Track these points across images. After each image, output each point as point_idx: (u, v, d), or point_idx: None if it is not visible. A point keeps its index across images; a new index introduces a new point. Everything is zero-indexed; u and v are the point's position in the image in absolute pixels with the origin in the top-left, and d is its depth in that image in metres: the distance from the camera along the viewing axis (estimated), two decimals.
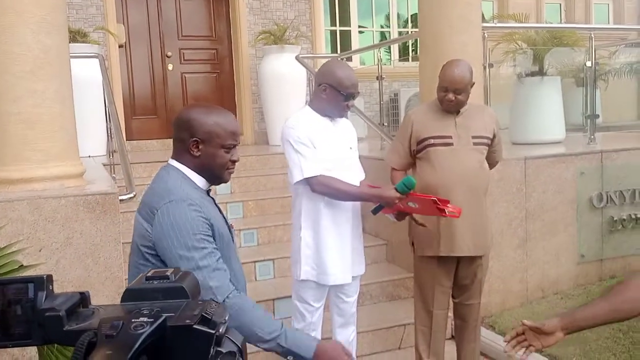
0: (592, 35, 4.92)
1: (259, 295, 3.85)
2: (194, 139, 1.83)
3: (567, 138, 5.17)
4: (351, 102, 2.79)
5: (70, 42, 5.43)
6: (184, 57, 7.21)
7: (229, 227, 1.98)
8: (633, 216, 4.55)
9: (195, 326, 0.68)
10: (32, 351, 2.80)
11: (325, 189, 2.73)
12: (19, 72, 3.08)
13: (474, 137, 2.94)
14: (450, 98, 2.87)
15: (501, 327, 3.82)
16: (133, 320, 0.65)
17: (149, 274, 0.74)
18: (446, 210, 2.68)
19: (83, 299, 0.73)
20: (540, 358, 3.38)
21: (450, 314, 3.24)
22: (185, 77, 7.21)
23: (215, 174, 1.90)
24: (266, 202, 4.87)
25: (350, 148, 2.88)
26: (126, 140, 6.56)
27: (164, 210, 1.77)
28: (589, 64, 4.92)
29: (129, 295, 0.71)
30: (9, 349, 2.81)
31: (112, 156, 4.68)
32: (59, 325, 0.71)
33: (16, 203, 2.92)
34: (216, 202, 1.99)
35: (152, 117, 7.03)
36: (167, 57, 7.11)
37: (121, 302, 0.71)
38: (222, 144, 1.85)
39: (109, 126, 4.91)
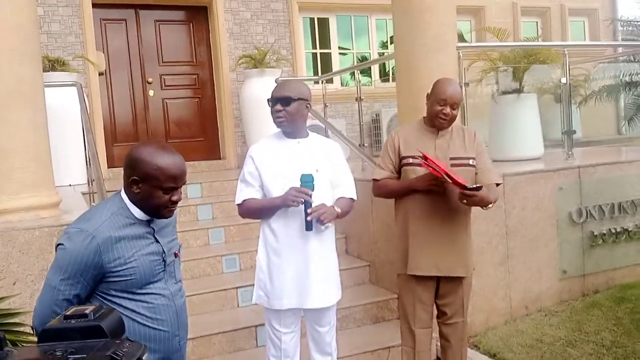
0: (566, 52, 4.98)
1: (241, 322, 3.80)
2: (133, 177, 1.90)
3: (546, 154, 5.20)
4: (275, 111, 2.72)
5: (49, 71, 5.46)
6: (165, 83, 7.22)
7: (164, 257, 1.99)
8: (613, 230, 4.55)
9: None
10: None
11: (247, 214, 2.83)
12: None
13: (452, 159, 2.94)
14: (447, 112, 2.89)
15: (486, 347, 3.79)
16: None
17: (68, 313, 0.71)
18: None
19: None
20: None
21: (436, 334, 3.22)
22: (166, 102, 7.22)
23: (152, 211, 1.96)
24: (248, 226, 4.83)
25: (317, 170, 2.76)
26: (108, 167, 6.53)
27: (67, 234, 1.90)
28: (563, 80, 4.97)
29: (47, 335, 0.69)
30: None
31: (92, 185, 4.64)
32: None
33: None
34: (156, 232, 2.01)
35: (133, 143, 6.97)
36: (148, 83, 7.11)
37: (38, 342, 0.69)
38: (160, 186, 1.90)
39: (86, 154, 4.88)
